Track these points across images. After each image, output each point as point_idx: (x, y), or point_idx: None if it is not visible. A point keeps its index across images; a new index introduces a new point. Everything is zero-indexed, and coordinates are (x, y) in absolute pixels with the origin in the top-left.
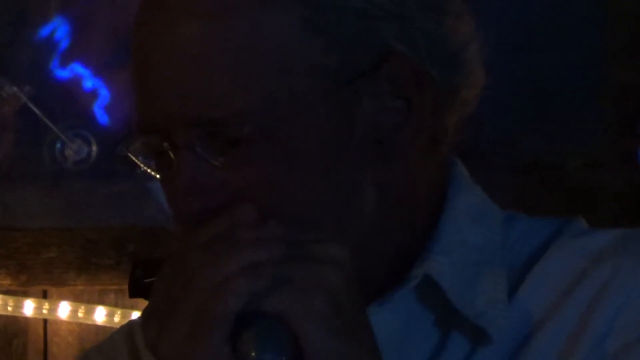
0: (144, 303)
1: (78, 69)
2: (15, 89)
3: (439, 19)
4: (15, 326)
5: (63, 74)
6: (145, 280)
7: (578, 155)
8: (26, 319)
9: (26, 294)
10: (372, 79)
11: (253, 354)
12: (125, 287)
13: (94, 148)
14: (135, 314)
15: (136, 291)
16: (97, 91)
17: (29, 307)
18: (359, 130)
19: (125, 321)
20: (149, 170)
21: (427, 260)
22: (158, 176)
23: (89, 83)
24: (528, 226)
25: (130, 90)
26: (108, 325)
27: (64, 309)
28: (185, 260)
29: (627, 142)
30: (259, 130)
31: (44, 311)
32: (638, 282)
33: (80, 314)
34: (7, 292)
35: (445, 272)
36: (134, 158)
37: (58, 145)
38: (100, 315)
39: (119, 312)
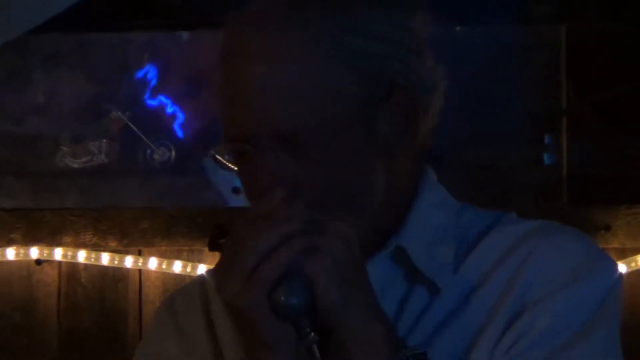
0: (209, 258)
1: (162, 99)
2: (119, 113)
3: (422, 60)
4: (120, 274)
5: (152, 103)
6: (220, 240)
7: (505, 159)
8: (127, 269)
9: (127, 252)
10: (385, 104)
11: (282, 298)
12: (195, 247)
13: (173, 153)
14: (202, 267)
15: (213, 247)
16: (175, 115)
17: (129, 262)
18: (376, 138)
19: (195, 272)
20: (230, 165)
21: (400, 234)
22: (236, 169)
23: (169, 109)
24: (476, 215)
25: (221, 110)
26: (183, 274)
27: (153, 263)
28: (239, 233)
29: (538, 150)
30: (312, 138)
31: (139, 264)
32: (548, 256)
33: (164, 266)
34: (114, 251)
35: (412, 243)
36: (219, 158)
37: (148, 151)
38: (177, 267)
39: (190, 265)
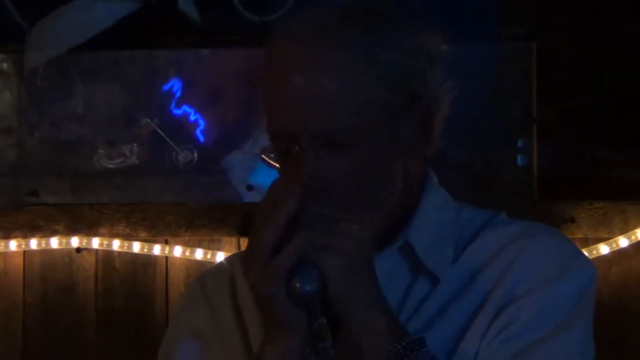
0: (226, 246)
1: (186, 109)
2: (148, 120)
3: (435, 71)
4: (148, 261)
5: (177, 112)
6: (249, 227)
7: (483, 161)
8: (155, 256)
9: (155, 242)
10: (407, 112)
11: (298, 286)
12: (215, 237)
13: (195, 155)
14: (220, 254)
15: (243, 232)
16: (198, 122)
17: (157, 250)
18: (398, 142)
19: (214, 259)
20: (272, 162)
21: (407, 231)
22: (279, 165)
23: (192, 117)
24: (471, 214)
25: (269, 112)
26: (204, 260)
27: (177, 251)
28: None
29: (512, 153)
30: (348, 140)
31: (166, 252)
32: (535, 255)
33: (187, 254)
34: (144, 241)
35: (418, 240)
36: (265, 157)
37: (174, 154)
38: (199, 254)
39: (210, 252)
